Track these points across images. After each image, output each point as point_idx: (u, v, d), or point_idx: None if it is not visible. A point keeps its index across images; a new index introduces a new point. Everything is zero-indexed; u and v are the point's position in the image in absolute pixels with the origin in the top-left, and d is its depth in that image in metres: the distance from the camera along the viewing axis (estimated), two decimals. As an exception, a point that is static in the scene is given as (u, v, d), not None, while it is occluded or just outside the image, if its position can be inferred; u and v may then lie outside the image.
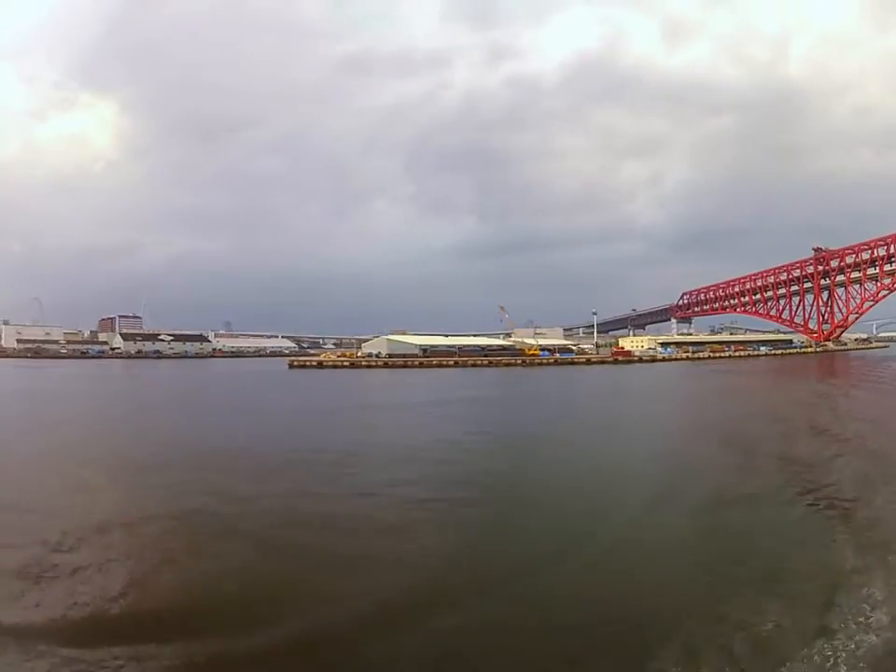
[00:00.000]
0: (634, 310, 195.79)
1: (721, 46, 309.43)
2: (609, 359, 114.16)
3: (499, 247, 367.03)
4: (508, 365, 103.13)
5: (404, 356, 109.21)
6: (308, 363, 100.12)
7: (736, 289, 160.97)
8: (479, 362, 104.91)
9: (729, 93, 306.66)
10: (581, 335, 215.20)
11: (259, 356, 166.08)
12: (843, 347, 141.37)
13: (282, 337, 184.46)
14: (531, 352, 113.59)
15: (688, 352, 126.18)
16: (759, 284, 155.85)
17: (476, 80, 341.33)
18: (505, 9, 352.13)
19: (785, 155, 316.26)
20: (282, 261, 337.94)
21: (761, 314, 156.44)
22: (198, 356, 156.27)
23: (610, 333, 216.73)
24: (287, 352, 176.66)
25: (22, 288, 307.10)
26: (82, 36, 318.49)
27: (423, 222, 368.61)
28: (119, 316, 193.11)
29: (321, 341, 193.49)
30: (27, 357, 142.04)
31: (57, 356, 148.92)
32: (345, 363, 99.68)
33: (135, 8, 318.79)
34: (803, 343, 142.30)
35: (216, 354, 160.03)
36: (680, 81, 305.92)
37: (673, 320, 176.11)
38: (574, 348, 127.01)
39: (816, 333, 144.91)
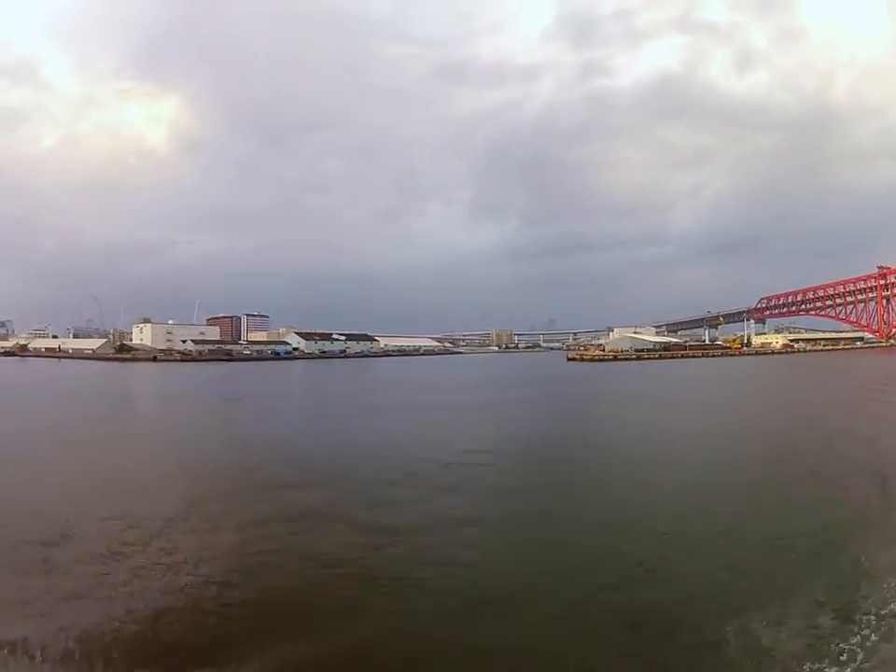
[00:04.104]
0: (708, 312, 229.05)
1: (780, 75, 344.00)
2: (782, 351, 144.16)
3: (535, 251, 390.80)
4: (731, 356, 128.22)
5: (647, 350, 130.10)
6: (599, 357, 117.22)
7: (810, 296, 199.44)
8: (714, 353, 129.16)
9: (776, 115, 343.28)
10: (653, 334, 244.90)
11: (418, 354, 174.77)
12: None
13: (428, 337, 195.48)
14: (736, 346, 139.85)
15: (819, 345, 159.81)
16: (830, 292, 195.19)
17: (559, 94, 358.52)
18: (606, 32, 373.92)
19: (812, 168, 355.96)
20: (324, 260, 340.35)
21: (832, 316, 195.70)
22: (374, 355, 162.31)
23: (679, 333, 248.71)
24: (435, 350, 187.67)
25: (50, 286, 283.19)
26: (147, 23, 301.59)
27: (472, 225, 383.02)
28: (247, 315, 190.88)
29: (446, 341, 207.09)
30: (221, 361, 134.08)
31: (245, 357, 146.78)
32: (633, 357, 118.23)
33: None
34: (873, 339, 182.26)
35: (388, 353, 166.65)
36: (739, 103, 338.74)
37: (751, 321, 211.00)
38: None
39: (878, 332, 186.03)
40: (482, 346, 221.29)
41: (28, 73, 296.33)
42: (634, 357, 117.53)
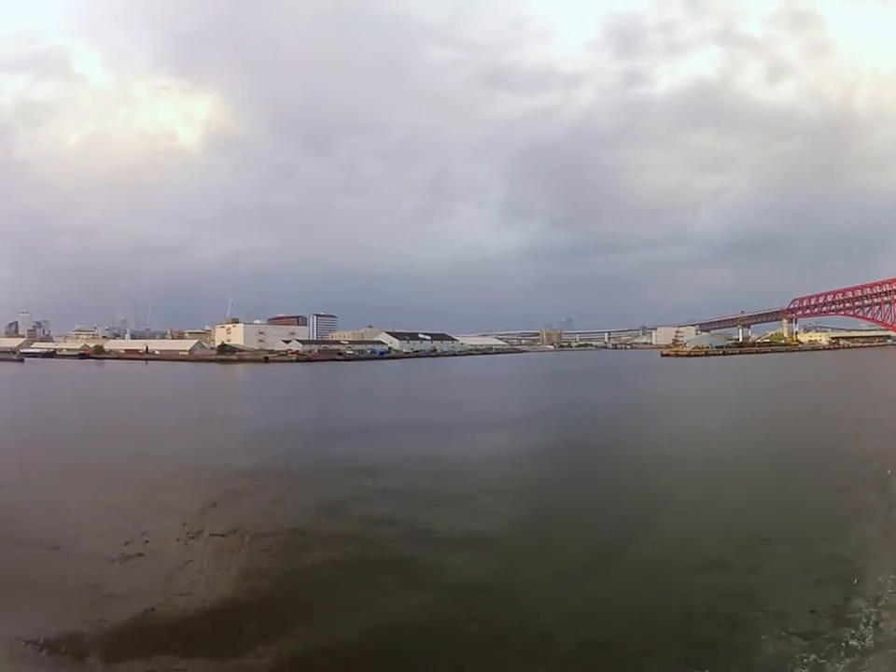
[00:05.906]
0: (742, 311, 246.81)
1: (806, 85, 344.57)
2: (830, 347, 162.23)
3: (558, 252, 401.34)
4: (792, 351, 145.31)
5: (726, 347, 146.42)
6: (693, 353, 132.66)
7: (839, 297, 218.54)
8: (778, 350, 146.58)
9: (800, 122, 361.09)
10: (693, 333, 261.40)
11: (492, 353, 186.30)
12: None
13: (493, 336, 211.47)
14: (795, 343, 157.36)
15: (860, 342, 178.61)
16: (858, 294, 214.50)
17: (599, 101, 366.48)
18: (649, 43, 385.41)
19: (828, 173, 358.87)
20: (350, 261, 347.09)
21: (860, 316, 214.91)
22: (460, 353, 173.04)
23: (711, 332, 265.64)
24: (504, 349, 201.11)
25: (70, 285, 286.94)
26: (185, 19, 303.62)
27: (499, 227, 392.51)
28: (317, 316, 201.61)
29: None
30: (335, 360, 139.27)
31: (351, 357, 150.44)
32: (718, 353, 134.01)
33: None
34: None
35: (469, 352, 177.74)
36: (767, 110, 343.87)
37: (784, 321, 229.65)
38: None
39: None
40: (526, 346, 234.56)
41: (60, 66, 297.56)
42: (720, 353, 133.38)
